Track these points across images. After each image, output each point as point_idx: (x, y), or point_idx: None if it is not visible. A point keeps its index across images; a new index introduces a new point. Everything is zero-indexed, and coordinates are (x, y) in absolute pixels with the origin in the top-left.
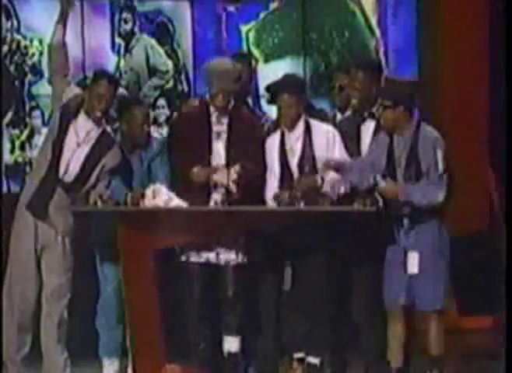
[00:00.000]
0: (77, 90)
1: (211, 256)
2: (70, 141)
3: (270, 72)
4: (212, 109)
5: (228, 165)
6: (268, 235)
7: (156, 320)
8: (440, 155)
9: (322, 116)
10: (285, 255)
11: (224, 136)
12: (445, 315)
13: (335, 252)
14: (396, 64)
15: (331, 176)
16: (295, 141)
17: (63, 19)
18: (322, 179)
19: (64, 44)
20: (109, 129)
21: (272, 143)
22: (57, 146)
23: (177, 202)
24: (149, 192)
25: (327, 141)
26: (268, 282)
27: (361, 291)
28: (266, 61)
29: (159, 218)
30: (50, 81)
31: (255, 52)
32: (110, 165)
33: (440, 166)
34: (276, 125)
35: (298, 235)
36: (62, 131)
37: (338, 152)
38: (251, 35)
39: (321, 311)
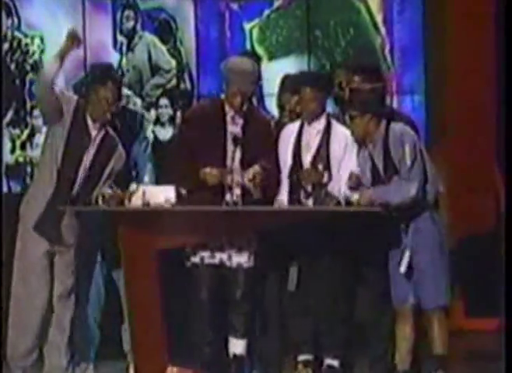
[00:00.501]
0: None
1: (217, 257)
2: (76, 152)
3: (274, 71)
4: (227, 108)
5: (242, 165)
6: (275, 235)
7: (159, 321)
8: (407, 148)
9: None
10: (292, 255)
11: (239, 137)
12: (450, 315)
13: (342, 252)
14: (402, 63)
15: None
16: (313, 136)
17: (61, 56)
18: (329, 177)
19: (53, 83)
20: (110, 131)
21: (289, 134)
22: (66, 165)
23: (166, 196)
24: (138, 192)
25: (345, 145)
26: (275, 283)
27: (368, 291)
28: (270, 59)
29: (162, 218)
30: (44, 122)
31: (259, 50)
32: (116, 168)
33: (408, 160)
34: (280, 123)
35: (305, 235)
36: (70, 146)
37: (352, 162)
38: (255, 33)
39: (329, 312)
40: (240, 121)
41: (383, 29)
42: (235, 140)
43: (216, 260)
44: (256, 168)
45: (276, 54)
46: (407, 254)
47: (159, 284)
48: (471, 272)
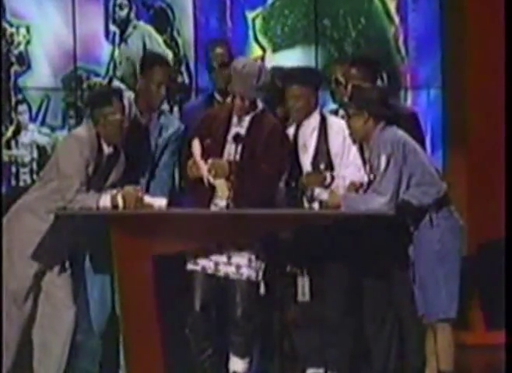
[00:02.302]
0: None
1: (217, 265)
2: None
3: (278, 63)
4: (235, 111)
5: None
6: (279, 241)
7: (154, 334)
8: (383, 160)
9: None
10: (300, 263)
11: (241, 135)
12: (469, 329)
13: (354, 259)
14: (417, 54)
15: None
16: (309, 135)
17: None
18: (332, 177)
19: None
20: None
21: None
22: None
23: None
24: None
25: (343, 138)
26: (282, 294)
27: (373, 302)
28: (274, 50)
29: (158, 222)
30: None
31: (262, 41)
32: (115, 178)
33: (381, 171)
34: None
35: (311, 242)
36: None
37: (354, 154)
38: (258, 22)
39: (339, 323)
40: (246, 124)
41: (396, 18)
42: (236, 138)
43: (213, 268)
44: (218, 160)
45: (281, 46)
46: (412, 264)
47: (156, 293)
48: (490, 280)
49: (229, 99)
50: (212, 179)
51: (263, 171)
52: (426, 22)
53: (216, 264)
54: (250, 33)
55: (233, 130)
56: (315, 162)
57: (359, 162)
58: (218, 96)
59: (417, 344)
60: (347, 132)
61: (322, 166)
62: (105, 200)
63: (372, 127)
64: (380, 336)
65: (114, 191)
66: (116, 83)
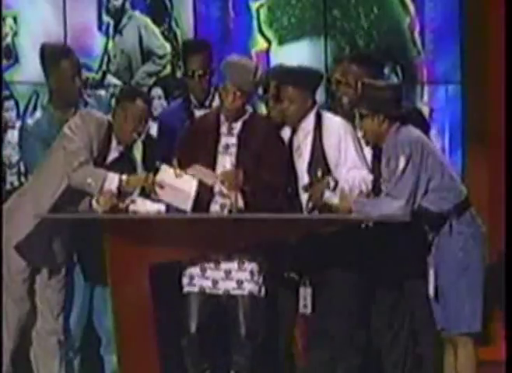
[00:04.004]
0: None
1: (216, 283)
2: None
3: (285, 56)
4: (222, 118)
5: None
6: (283, 250)
7: (152, 348)
8: (401, 162)
9: None
10: (303, 273)
11: (233, 149)
12: (492, 343)
13: (364, 268)
14: (434, 46)
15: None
16: (303, 139)
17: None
18: (335, 181)
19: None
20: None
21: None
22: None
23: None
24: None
25: (339, 140)
26: (286, 307)
27: (384, 312)
28: (280, 43)
29: (157, 227)
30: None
31: (267, 33)
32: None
33: (398, 173)
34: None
35: (315, 250)
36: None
37: (352, 154)
38: (263, 13)
39: (347, 337)
40: (236, 131)
41: (412, 8)
42: (226, 149)
43: (211, 287)
44: (230, 170)
45: (287, 37)
46: (431, 274)
47: (153, 304)
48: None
49: (214, 106)
50: (225, 190)
51: (269, 179)
52: (444, 11)
53: (215, 282)
54: (255, 24)
55: (224, 140)
56: (311, 168)
57: (360, 163)
58: (194, 100)
59: (434, 359)
60: (343, 131)
61: (319, 173)
62: (113, 180)
63: (386, 129)
64: (394, 349)
65: (124, 176)
66: (109, 77)
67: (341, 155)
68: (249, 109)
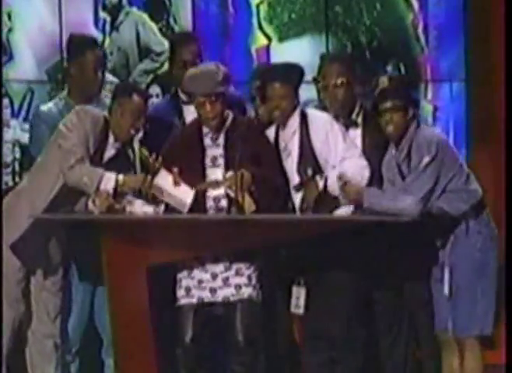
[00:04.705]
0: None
1: (213, 291)
2: None
3: (285, 53)
4: (204, 130)
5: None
6: (282, 250)
7: (151, 353)
8: (425, 161)
9: None
10: (299, 273)
11: (221, 161)
12: (494, 347)
13: (359, 268)
14: (438, 43)
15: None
16: (289, 137)
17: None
18: (325, 179)
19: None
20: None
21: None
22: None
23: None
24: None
25: (326, 135)
26: (283, 311)
27: (395, 315)
28: (281, 40)
29: (155, 228)
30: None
31: (268, 29)
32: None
33: (419, 171)
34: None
35: (313, 249)
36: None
37: (342, 145)
38: (263, 9)
39: (346, 338)
40: (222, 141)
41: (415, 4)
42: (214, 161)
43: (210, 296)
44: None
45: (288, 34)
46: (446, 273)
47: (149, 306)
48: None
49: (192, 120)
50: (233, 194)
51: (269, 179)
52: (447, 7)
53: (212, 291)
54: (254, 20)
55: (210, 153)
56: (301, 167)
57: (351, 151)
58: (183, 96)
59: (434, 361)
60: (328, 126)
61: (309, 172)
62: (109, 180)
63: (410, 124)
64: (395, 351)
65: (121, 176)
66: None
67: (330, 148)
68: (229, 113)
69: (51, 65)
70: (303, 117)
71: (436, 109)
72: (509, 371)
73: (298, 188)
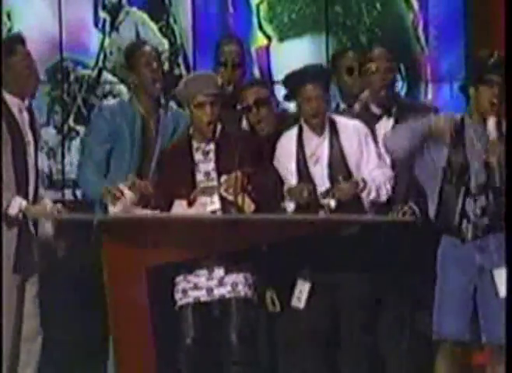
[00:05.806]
0: None
1: (210, 290)
2: None
3: (285, 53)
4: (195, 144)
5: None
6: (283, 249)
7: (150, 353)
8: None
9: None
10: (304, 268)
11: (214, 175)
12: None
13: (371, 269)
14: (438, 43)
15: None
16: (318, 145)
17: None
18: (364, 181)
19: None
20: None
21: (289, 143)
22: None
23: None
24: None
25: (359, 141)
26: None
27: (398, 319)
28: (281, 39)
29: (155, 228)
30: None
31: (267, 29)
32: None
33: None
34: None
35: (324, 247)
36: None
37: (374, 155)
38: (263, 8)
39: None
40: (212, 155)
41: (416, 4)
42: (208, 176)
43: (206, 295)
44: (231, 176)
45: (288, 34)
46: (503, 274)
47: (149, 307)
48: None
49: (179, 137)
50: (230, 197)
51: (265, 181)
52: (448, 7)
53: (209, 290)
54: (254, 20)
55: (203, 169)
56: (331, 174)
57: (381, 162)
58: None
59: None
60: (362, 134)
61: (341, 179)
62: (15, 205)
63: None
64: (397, 352)
65: (24, 202)
66: (105, 75)
67: (363, 156)
68: (217, 126)
69: (51, 65)
70: (332, 124)
71: (436, 109)
72: (509, 371)
73: (325, 195)
